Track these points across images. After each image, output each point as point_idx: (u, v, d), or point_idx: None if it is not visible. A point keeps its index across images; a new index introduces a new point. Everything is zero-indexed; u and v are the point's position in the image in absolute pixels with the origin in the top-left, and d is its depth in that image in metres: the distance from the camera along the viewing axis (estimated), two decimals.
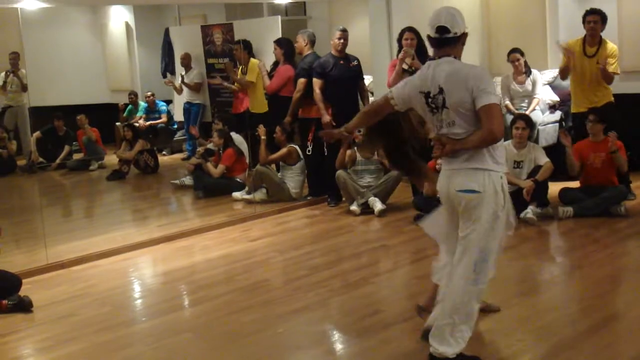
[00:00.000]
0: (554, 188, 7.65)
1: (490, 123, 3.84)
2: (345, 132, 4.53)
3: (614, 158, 7.32)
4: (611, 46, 7.89)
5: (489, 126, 3.85)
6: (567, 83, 9.28)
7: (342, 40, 8.50)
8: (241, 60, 10.68)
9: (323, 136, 4.92)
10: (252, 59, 10.61)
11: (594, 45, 7.86)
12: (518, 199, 6.60)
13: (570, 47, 7.93)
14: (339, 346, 4.82)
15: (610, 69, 7.76)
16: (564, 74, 8.14)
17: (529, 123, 7.62)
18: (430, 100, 4.04)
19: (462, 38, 4.07)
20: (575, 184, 7.68)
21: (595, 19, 7.79)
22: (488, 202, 3.95)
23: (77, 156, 13.47)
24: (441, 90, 3.97)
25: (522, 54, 8.97)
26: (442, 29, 4.03)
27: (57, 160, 13.13)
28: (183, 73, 12.79)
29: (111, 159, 12.85)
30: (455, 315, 4.02)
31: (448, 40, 4.02)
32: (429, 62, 4.19)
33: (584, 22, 7.90)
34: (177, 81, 12.97)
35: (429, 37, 4.11)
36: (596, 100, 7.89)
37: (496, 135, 3.87)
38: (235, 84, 10.87)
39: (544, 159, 7.40)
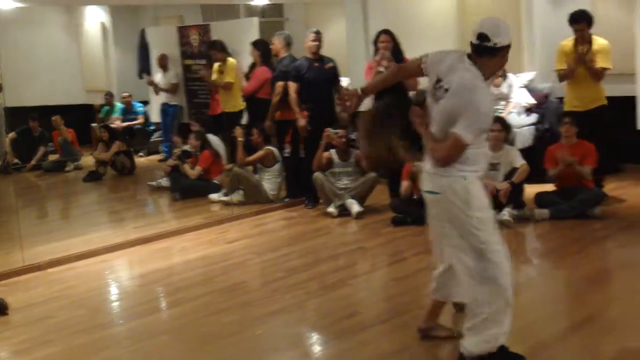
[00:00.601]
0: (530, 190, 7.71)
1: (446, 149, 3.89)
2: (361, 93, 4.37)
3: (574, 170, 7.36)
4: (600, 42, 7.88)
5: (442, 151, 3.91)
6: (543, 86, 9.38)
7: (316, 42, 8.51)
8: (218, 59, 10.64)
9: (341, 103, 4.56)
10: (229, 59, 10.60)
11: (584, 44, 7.88)
12: (494, 201, 6.65)
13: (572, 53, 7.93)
14: (316, 348, 4.83)
15: (598, 64, 7.77)
16: (565, 78, 8.09)
17: (505, 125, 7.67)
18: (437, 85, 4.01)
19: (502, 50, 3.94)
20: (551, 187, 7.73)
21: (581, 27, 7.80)
22: (449, 203, 3.98)
23: (52, 157, 13.39)
24: (446, 90, 3.93)
25: None
26: (482, 37, 3.92)
27: (33, 162, 13.03)
28: (159, 75, 12.75)
29: (87, 160, 12.78)
30: (474, 318, 4.05)
31: (487, 49, 3.91)
32: (454, 51, 4.14)
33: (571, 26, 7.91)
34: (156, 79, 12.92)
35: (470, 42, 3.97)
36: (589, 101, 7.88)
37: (442, 161, 3.94)
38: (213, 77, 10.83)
39: (520, 161, 7.46)
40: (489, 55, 3.92)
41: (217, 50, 10.52)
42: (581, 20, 7.77)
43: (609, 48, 7.87)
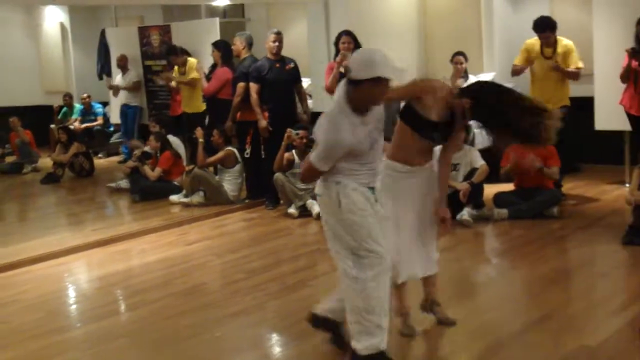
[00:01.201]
0: (490, 190, 7.76)
1: (303, 170, 4.30)
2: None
3: (543, 173, 7.44)
4: (565, 43, 8.01)
5: (302, 171, 4.37)
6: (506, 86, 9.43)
7: (276, 43, 8.49)
8: (178, 64, 10.62)
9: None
10: (189, 59, 10.56)
11: (550, 46, 7.97)
12: (454, 201, 6.68)
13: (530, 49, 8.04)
14: (276, 349, 4.81)
15: (571, 66, 7.92)
16: (518, 72, 8.23)
17: (465, 126, 7.69)
18: None
19: (362, 83, 3.92)
20: (509, 187, 7.79)
21: (547, 36, 7.91)
22: (324, 206, 4.23)
23: (9, 159, 13.23)
24: None
25: (466, 59, 9.09)
26: (346, 68, 4.21)
27: None
28: (119, 76, 12.66)
29: (45, 162, 12.63)
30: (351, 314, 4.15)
31: (349, 81, 3.99)
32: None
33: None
34: (114, 82, 12.82)
35: None
36: (553, 101, 7.97)
37: (302, 179, 4.44)
38: (173, 82, 10.78)
39: (479, 162, 7.51)
40: (352, 86, 3.97)
41: (177, 55, 10.54)
42: (546, 29, 7.91)
43: (574, 47, 8.02)
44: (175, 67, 10.66)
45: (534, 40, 8.10)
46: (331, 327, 4.47)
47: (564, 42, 8.02)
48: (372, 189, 4.17)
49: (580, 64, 8.02)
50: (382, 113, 4.17)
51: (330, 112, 4.05)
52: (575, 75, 8.05)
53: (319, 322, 4.49)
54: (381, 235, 4.15)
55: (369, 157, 4.10)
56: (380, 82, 3.92)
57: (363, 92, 3.95)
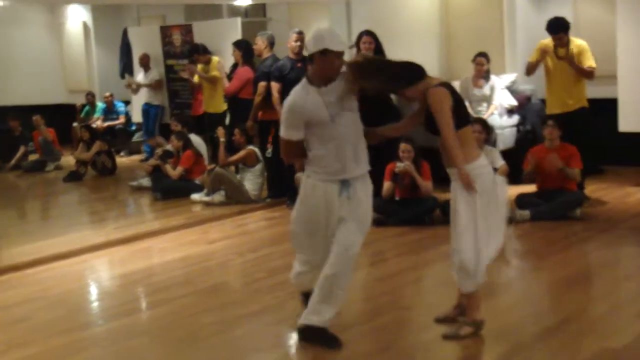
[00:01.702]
0: (512, 191, 7.72)
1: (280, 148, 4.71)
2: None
3: (564, 174, 7.39)
4: (578, 43, 7.93)
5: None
6: (524, 87, 9.41)
7: (298, 43, 8.48)
8: (202, 62, 10.65)
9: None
10: (213, 57, 10.59)
11: (563, 46, 7.92)
12: None
13: (545, 48, 7.99)
14: (296, 348, 4.80)
15: (585, 64, 7.84)
16: (530, 70, 8.17)
17: (486, 126, 7.68)
18: None
19: (313, 57, 4.45)
20: (532, 189, 7.75)
21: (560, 37, 7.85)
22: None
23: (33, 157, 13.31)
24: None
25: (488, 60, 9.04)
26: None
27: (13, 161, 12.98)
28: (141, 75, 12.71)
29: (68, 160, 12.72)
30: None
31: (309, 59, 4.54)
32: None
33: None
34: (136, 79, 12.86)
35: None
36: (570, 103, 7.92)
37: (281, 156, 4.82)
38: (196, 77, 10.80)
39: (500, 162, 7.48)
40: (309, 62, 4.56)
41: (200, 54, 10.56)
42: (559, 31, 7.84)
43: (587, 47, 7.94)
44: (199, 66, 10.69)
45: (547, 41, 8.05)
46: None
47: (577, 42, 7.96)
48: (344, 182, 4.42)
49: (593, 64, 7.91)
50: (345, 91, 4.43)
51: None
52: (589, 74, 7.92)
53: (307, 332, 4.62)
54: (314, 244, 4.61)
55: (332, 132, 4.40)
56: (327, 54, 4.36)
57: (316, 65, 4.43)
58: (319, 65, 4.42)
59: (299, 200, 4.63)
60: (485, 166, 4.55)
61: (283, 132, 4.50)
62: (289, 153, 4.64)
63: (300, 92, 4.49)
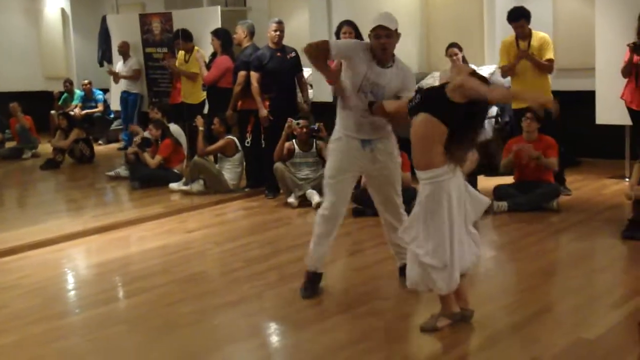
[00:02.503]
0: (489, 183, 7.77)
1: None
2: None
3: (541, 163, 7.43)
4: (540, 36, 7.98)
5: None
6: (503, 80, 9.45)
7: (277, 32, 8.46)
8: (185, 50, 10.56)
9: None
10: (197, 48, 10.49)
11: (525, 39, 7.96)
12: None
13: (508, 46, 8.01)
14: (274, 338, 4.82)
15: (544, 57, 7.87)
16: (506, 73, 8.18)
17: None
18: None
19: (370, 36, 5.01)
20: (509, 180, 7.79)
21: (521, 24, 7.88)
22: None
23: (9, 145, 13.21)
24: None
25: (460, 49, 9.05)
26: None
27: None
28: (120, 63, 12.62)
29: (45, 147, 12.63)
30: None
31: None
32: None
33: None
34: (115, 68, 12.78)
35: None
36: None
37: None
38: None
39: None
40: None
41: (183, 39, 10.46)
42: (520, 18, 7.88)
43: (549, 40, 8.00)
44: (180, 53, 10.60)
45: (508, 37, 8.09)
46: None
47: (539, 35, 8.00)
48: (364, 141, 5.03)
49: (552, 56, 7.94)
50: (398, 86, 4.97)
51: None
52: (547, 68, 7.95)
53: None
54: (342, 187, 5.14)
55: (356, 102, 4.94)
56: (376, 30, 4.88)
57: (372, 41, 4.93)
58: (372, 41, 4.93)
59: (329, 156, 5.20)
60: (445, 174, 4.43)
61: (332, 41, 5.28)
62: (316, 57, 5.07)
63: (367, 51, 4.95)
